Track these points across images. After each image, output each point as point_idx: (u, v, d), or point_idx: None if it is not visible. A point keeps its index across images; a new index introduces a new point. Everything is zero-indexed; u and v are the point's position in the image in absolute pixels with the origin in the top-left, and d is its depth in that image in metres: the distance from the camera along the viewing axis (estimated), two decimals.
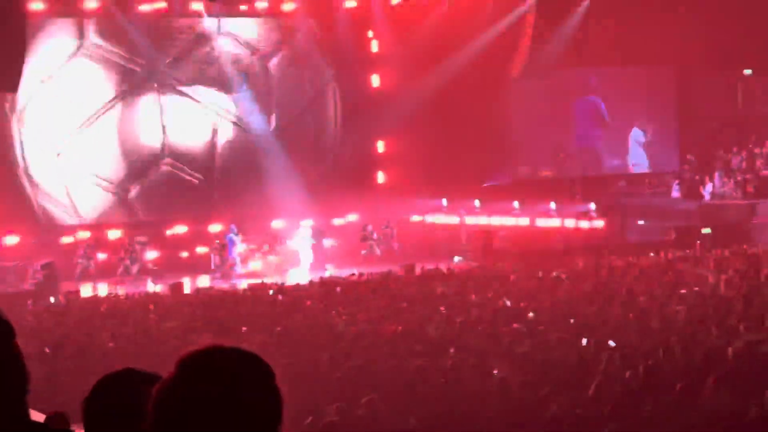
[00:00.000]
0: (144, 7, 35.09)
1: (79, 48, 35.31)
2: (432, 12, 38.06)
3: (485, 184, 40.41)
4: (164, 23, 36.53)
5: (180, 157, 36.76)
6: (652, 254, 30.31)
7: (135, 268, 34.87)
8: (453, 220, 39.24)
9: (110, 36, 35.58)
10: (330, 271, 33.31)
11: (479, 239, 36.22)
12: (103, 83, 35.68)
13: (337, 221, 38.64)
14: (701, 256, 28.61)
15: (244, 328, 19.54)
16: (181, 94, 36.74)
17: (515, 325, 17.79)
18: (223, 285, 31.46)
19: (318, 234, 35.99)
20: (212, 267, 35.24)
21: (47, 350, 17.40)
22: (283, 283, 28.98)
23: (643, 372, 12.47)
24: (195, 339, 18.26)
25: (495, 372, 13.40)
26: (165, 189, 36.61)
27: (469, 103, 37.12)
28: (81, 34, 35.35)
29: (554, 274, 26.00)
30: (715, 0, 35.98)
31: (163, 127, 36.45)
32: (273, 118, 38.02)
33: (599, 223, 37.09)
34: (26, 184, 35.14)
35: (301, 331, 18.78)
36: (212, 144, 37.39)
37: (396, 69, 38.93)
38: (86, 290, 31.10)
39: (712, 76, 39.14)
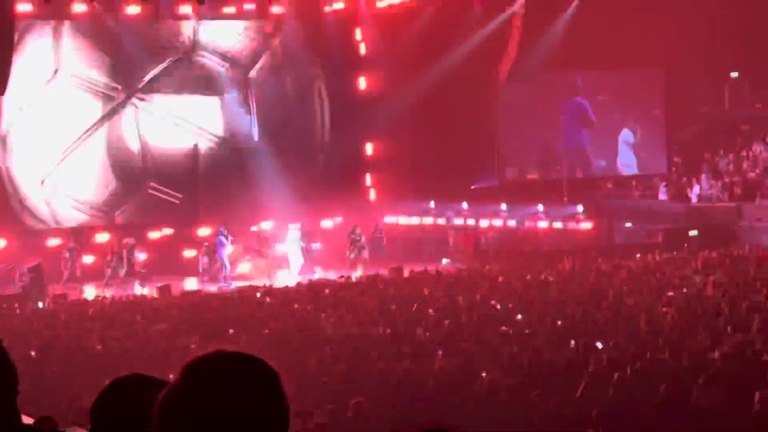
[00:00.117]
0: (132, 9, 34.93)
1: (55, 73, 35.22)
2: (420, 15, 38.05)
3: (473, 187, 40.42)
4: (151, 29, 36.48)
5: (163, 175, 36.78)
6: (639, 256, 30.37)
7: (122, 271, 34.76)
8: (441, 222, 39.25)
9: (88, 55, 35.51)
10: (318, 274, 33.27)
11: (467, 241, 36.21)
12: (81, 109, 35.63)
13: (325, 224, 38.59)
14: (688, 258, 28.66)
15: (231, 331, 19.52)
16: (161, 108, 36.75)
17: (503, 328, 17.81)
18: (212, 288, 31.41)
19: (306, 236, 35.94)
20: (200, 270, 35.15)
21: (33, 354, 17.36)
22: (271, 286, 28.96)
23: (631, 374, 12.51)
24: (183, 341, 18.26)
25: (483, 374, 13.41)
26: (150, 207, 36.82)
27: (456, 105, 37.11)
28: (57, 60, 35.26)
29: (542, 276, 26.03)
30: (702, 3, 36.05)
31: (144, 146, 36.51)
32: (255, 122, 37.96)
33: (587, 225, 37.12)
34: (15, 204, 35.31)
35: (289, 333, 18.77)
36: (195, 153, 37.35)
37: (384, 71, 38.93)
38: (74, 293, 30.99)
39: (698, 78, 39.19)
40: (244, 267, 35.66)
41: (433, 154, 37.68)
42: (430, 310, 21.01)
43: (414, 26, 37.96)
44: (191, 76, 37.16)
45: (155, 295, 29.40)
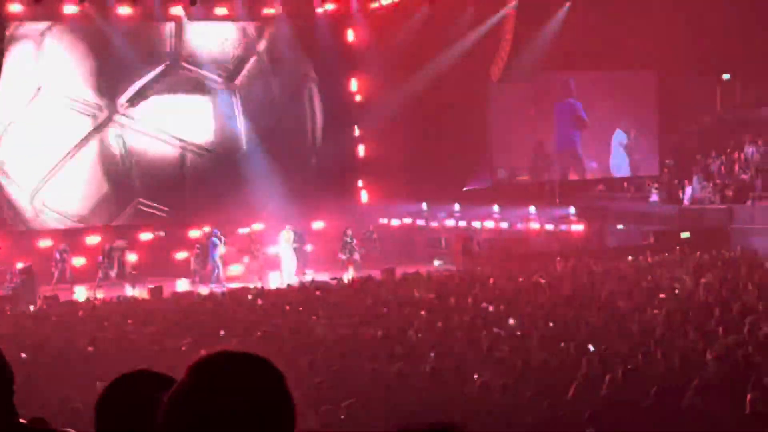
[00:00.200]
0: (123, 10, 34.86)
1: (38, 90, 35.10)
2: (412, 15, 38.04)
3: (465, 188, 40.43)
4: (142, 31, 36.42)
5: (152, 176, 36.83)
6: (630, 258, 30.39)
7: (113, 273, 34.70)
8: (433, 224, 39.26)
9: (73, 67, 35.46)
10: (310, 276, 33.25)
11: (459, 243, 36.22)
12: (66, 127, 35.54)
13: (317, 225, 38.56)
14: (680, 260, 28.68)
15: (222, 332, 19.48)
16: (147, 120, 36.78)
17: (495, 330, 17.81)
18: (203, 289, 31.37)
19: (298, 238, 35.90)
20: (191, 272, 35.11)
21: (24, 355, 17.31)
22: (263, 288, 28.94)
23: (622, 376, 12.51)
24: (174, 343, 18.22)
25: (475, 376, 13.41)
26: (140, 214, 37.02)
27: (449, 106, 37.14)
28: (39, 75, 35.13)
29: (534, 278, 26.02)
30: (694, 4, 36.08)
31: (131, 153, 36.56)
32: (246, 124, 37.95)
33: (579, 227, 37.16)
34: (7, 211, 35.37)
35: (281, 335, 18.74)
36: (183, 156, 37.35)
37: (376, 73, 38.90)
38: (65, 295, 30.91)
39: (691, 80, 39.24)
40: (236, 269, 35.64)
41: (425, 156, 37.68)
42: (423, 312, 21.01)
43: (406, 27, 37.93)
44: (180, 79, 37.10)
45: (146, 296, 29.37)
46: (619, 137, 41.79)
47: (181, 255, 36.02)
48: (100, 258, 34.66)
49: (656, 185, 40.33)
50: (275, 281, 32.78)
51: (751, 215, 35.10)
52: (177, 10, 35.94)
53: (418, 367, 14.34)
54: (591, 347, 15.08)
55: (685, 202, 38.32)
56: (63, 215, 35.86)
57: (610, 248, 34.50)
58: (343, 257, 36.67)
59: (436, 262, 35.55)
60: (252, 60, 38.28)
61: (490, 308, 21.10)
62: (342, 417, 11.41)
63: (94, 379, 14.78)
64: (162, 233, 36.93)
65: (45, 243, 35.04)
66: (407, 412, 11.80)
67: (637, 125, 41.78)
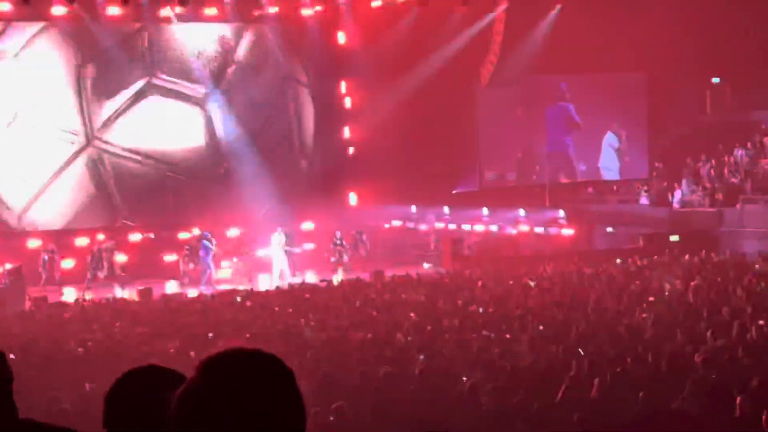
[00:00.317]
0: (112, 10, 34.77)
1: (15, 117, 34.96)
2: (402, 19, 38.05)
3: (454, 191, 40.46)
4: (130, 34, 36.40)
5: (140, 178, 36.81)
6: (620, 261, 30.43)
7: (102, 274, 34.62)
8: (422, 226, 39.26)
9: (51, 87, 35.34)
10: (299, 278, 33.23)
11: (448, 246, 36.24)
12: (45, 152, 35.42)
13: (306, 227, 38.53)
14: (670, 263, 28.72)
15: (210, 334, 19.45)
16: (127, 138, 36.76)
17: (484, 332, 17.81)
18: (192, 291, 31.32)
19: (288, 241, 35.86)
20: (181, 273, 35.06)
21: (12, 356, 17.25)
22: (252, 290, 28.92)
23: (611, 379, 12.51)
24: (163, 345, 18.19)
25: (464, 379, 13.40)
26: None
27: (439, 109, 37.16)
28: (16, 99, 34.97)
29: (523, 281, 26.05)
30: (685, 8, 36.16)
31: (112, 183, 36.55)
32: (235, 127, 37.91)
33: (568, 230, 37.19)
34: None
35: (269, 337, 18.71)
36: (172, 160, 37.35)
37: (366, 75, 38.89)
38: (54, 296, 30.84)
39: (680, 83, 39.30)
40: (225, 272, 35.59)
41: (414, 159, 37.69)
42: (412, 314, 21.00)
43: (395, 30, 37.95)
44: (162, 90, 36.98)
45: (135, 298, 29.32)
46: (610, 140, 41.87)
47: (170, 257, 35.94)
48: (89, 259, 34.57)
49: (646, 188, 40.40)
50: (264, 283, 32.75)
51: (741, 219, 35.15)
52: (166, 11, 35.89)
53: (407, 370, 14.33)
54: (581, 351, 15.09)
55: (675, 205, 38.37)
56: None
57: (600, 251, 34.54)
58: (333, 259, 36.67)
59: (426, 265, 35.57)
60: (238, 64, 38.23)
61: (480, 311, 21.11)
62: (331, 419, 11.40)
63: (82, 380, 14.78)
64: (151, 235, 36.90)
65: (34, 244, 34.95)
66: (396, 414, 11.79)
67: (627, 128, 41.86)
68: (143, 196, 36.74)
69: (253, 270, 35.21)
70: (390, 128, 38.07)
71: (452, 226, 38.43)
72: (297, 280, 32.18)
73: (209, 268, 34.28)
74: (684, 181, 38.84)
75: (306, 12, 38.21)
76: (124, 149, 36.48)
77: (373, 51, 38.22)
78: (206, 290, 31.19)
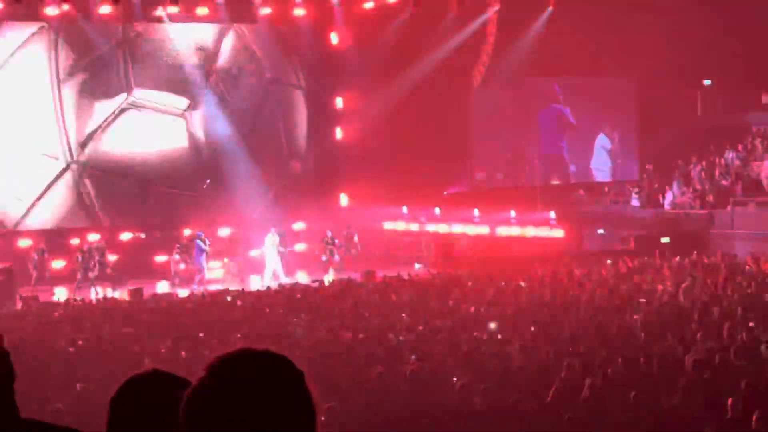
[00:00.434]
0: (104, 9, 34.67)
1: None
2: (394, 20, 38.07)
3: (446, 192, 40.46)
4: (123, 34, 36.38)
5: (132, 177, 36.77)
6: (610, 262, 30.44)
7: (93, 273, 34.49)
8: (414, 227, 39.24)
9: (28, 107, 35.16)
10: (291, 278, 33.20)
11: (440, 247, 36.22)
12: (29, 170, 35.35)
13: (298, 228, 38.51)
14: (660, 264, 28.75)
15: (201, 334, 19.45)
16: (113, 146, 36.72)
17: (475, 333, 17.83)
18: (184, 291, 31.28)
19: (279, 241, 35.82)
20: (172, 273, 34.99)
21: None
22: (243, 290, 28.89)
23: (602, 379, 12.54)
24: (154, 345, 18.19)
25: (455, 379, 13.41)
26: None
27: (431, 111, 37.19)
28: None
29: (514, 282, 26.06)
30: (675, 11, 36.22)
31: (97, 199, 36.56)
32: (227, 129, 37.87)
33: (559, 232, 37.19)
34: None
35: (260, 338, 18.70)
36: (164, 161, 37.32)
37: (358, 76, 38.88)
38: (45, 295, 30.78)
39: (672, 86, 39.37)
40: (217, 272, 35.55)
41: (406, 159, 37.67)
42: (403, 315, 21.01)
43: (388, 32, 37.96)
44: (163, 79, 37.00)
45: (126, 297, 29.27)
46: (602, 141, 41.92)
47: (161, 257, 35.89)
48: (79, 258, 34.44)
49: (637, 190, 40.44)
50: (256, 283, 32.71)
51: (731, 220, 35.21)
52: (159, 12, 35.86)
53: (399, 370, 14.34)
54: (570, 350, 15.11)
55: (666, 206, 38.41)
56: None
57: (590, 252, 34.53)
58: (324, 258, 36.63)
59: (417, 266, 35.56)
60: (237, 63, 38.22)
61: (471, 311, 21.12)
62: (322, 419, 11.40)
63: (74, 380, 14.77)
64: (142, 235, 36.87)
65: (25, 243, 34.88)
66: (388, 414, 11.80)
67: (619, 130, 41.94)
68: (126, 210, 36.79)
69: (245, 270, 35.16)
70: (382, 129, 38.06)
71: (444, 227, 38.41)
72: (289, 280, 32.15)
73: (203, 268, 34.22)
74: (675, 183, 38.89)
75: (299, 13, 38.19)
76: (105, 166, 36.43)
77: (365, 52, 38.23)
78: (198, 290, 31.14)
